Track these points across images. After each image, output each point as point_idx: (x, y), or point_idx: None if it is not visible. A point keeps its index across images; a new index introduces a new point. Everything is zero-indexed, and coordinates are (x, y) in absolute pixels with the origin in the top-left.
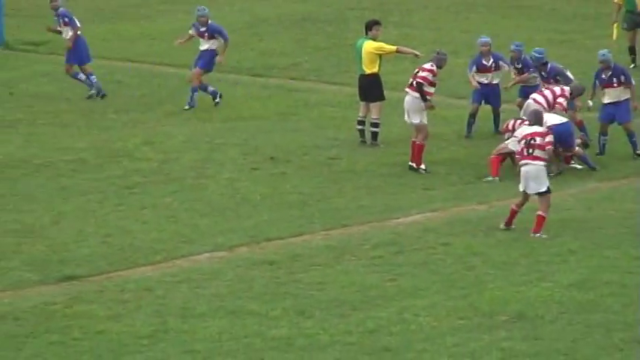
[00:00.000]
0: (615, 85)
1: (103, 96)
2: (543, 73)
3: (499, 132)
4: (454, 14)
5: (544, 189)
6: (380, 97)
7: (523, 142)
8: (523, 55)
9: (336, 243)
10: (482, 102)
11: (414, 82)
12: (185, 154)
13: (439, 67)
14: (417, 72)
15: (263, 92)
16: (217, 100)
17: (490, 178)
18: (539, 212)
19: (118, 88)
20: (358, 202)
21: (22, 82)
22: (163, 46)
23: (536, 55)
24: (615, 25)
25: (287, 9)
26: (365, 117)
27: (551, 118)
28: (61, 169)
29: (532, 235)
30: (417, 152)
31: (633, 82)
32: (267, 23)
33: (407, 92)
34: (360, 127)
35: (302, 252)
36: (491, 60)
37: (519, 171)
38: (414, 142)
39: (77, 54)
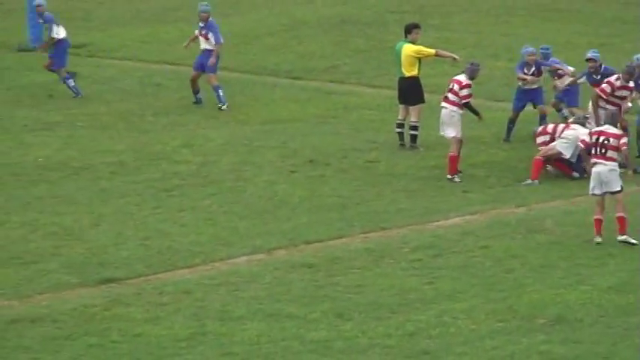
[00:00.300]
0: None
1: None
2: (595, 76)
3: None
4: (494, 17)
5: (617, 188)
6: (419, 100)
7: (594, 138)
8: (551, 58)
9: (375, 246)
10: (524, 106)
11: (450, 96)
12: (223, 157)
13: (472, 78)
14: (453, 86)
15: (302, 95)
16: (196, 100)
17: (529, 182)
18: (619, 214)
19: (157, 90)
20: (397, 205)
21: (60, 85)
22: None
23: (595, 55)
24: None
25: (326, 11)
26: (404, 120)
27: (583, 132)
28: (99, 171)
29: (619, 237)
30: (450, 163)
31: None
32: (306, 26)
33: (443, 106)
34: (399, 129)
35: (341, 255)
36: (533, 68)
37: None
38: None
39: (61, 58)
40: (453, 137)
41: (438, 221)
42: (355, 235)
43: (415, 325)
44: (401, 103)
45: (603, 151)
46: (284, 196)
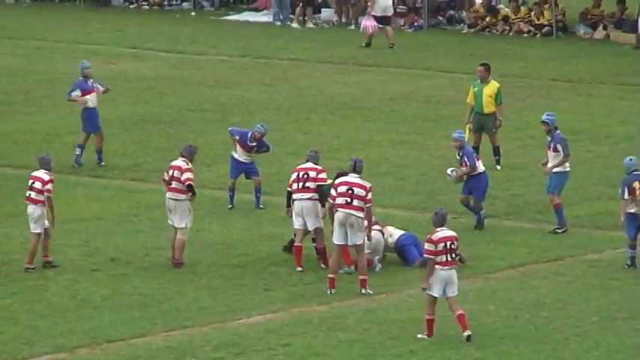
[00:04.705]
0: None
1: None
2: (549, 138)
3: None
4: (295, 115)
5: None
6: None
7: (442, 245)
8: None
9: (177, 344)
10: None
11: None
12: (25, 256)
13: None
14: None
15: (104, 193)
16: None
17: (346, 269)
18: (459, 311)
19: None
20: (199, 303)
21: None
22: (3, 147)
23: (548, 118)
24: (468, 126)
25: (128, 110)
26: None
27: (396, 232)
28: None
29: (464, 333)
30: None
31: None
32: (108, 124)
33: (302, 198)
34: None
35: (143, 353)
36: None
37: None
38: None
39: None
40: (318, 228)
41: (240, 319)
42: (157, 333)
43: None
44: None
45: (453, 256)
46: (86, 294)
